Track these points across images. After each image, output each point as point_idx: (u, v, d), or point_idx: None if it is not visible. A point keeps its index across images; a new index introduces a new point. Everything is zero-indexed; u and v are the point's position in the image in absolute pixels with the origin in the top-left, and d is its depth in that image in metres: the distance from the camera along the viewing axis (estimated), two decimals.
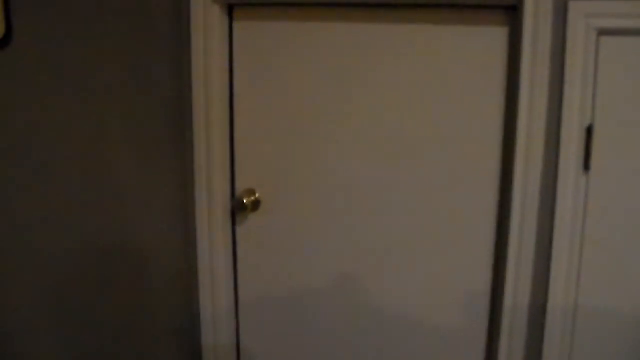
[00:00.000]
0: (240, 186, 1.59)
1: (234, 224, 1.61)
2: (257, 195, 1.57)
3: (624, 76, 1.29)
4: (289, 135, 1.53)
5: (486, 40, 1.38)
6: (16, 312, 1.76)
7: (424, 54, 1.42)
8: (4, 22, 1.57)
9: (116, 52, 1.53)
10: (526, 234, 1.36)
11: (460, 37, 1.39)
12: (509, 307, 1.40)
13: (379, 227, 1.51)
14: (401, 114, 1.45)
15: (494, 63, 1.39)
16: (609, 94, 1.30)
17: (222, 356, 1.63)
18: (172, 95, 1.52)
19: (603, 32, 1.27)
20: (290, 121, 1.52)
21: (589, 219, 1.34)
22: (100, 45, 1.54)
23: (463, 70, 1.41)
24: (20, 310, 1.75)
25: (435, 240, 1.49)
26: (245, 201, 1.51)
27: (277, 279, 1.61)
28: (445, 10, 1.39)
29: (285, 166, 1.54)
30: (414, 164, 1.47)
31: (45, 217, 1.66)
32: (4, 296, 1.76)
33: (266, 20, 1.49)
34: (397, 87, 1.44)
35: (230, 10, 1.51)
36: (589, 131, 1.31)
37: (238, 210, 1.53)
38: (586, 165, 1.32)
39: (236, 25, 1.51)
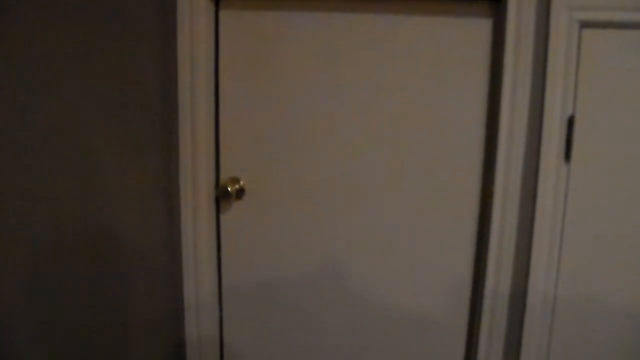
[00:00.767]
0: (225, 174, 1.59)
1: (218, 212, 1.61)
2: (241, 183, 1.57)
3: (605, 68, 1.31)
4: (274, 124, 1.53)
5: (470, 32, 1.40)
6: None
7: (408, 44, 1.43)
8: None
9: (101, 40, 1.52)
10: (507, 222, 1.38)
11: (444, 28, 1.41)
12: (489, 294, 1.42)
13: (362, 216, 1.53)
14: (385, 104, 1.46)
15: (477, 54, 1.40)
16: (590, 86, 1.32)
17: (205, 345, 1.63)
18: (157, 84, 1.51)
19: (585, 25, 1.29)
20: (275, 111, 1.52)
21: (569, 208, 1.37)
22: (85, 34, 1.52)
23: (446, 60, 1.42)
24: None
25: (417, 229, 1.50)
26: (229, 189, 1.51)
27: (260, 267, 1.61)
28: (430, 1, 1.40)
29: (269, 155, 1.55)
30: (396, 154, 1.48)
31: (29, 206, 1.65)
32: None
33: (252, 9, 1.49)
34: (381, 77, 1.45)
35: None
36: (570, 122, 1.33)
37: (222, 198, 1.53)
38: (567, 156, 1.34)
39: (222, 13, 1.51)
